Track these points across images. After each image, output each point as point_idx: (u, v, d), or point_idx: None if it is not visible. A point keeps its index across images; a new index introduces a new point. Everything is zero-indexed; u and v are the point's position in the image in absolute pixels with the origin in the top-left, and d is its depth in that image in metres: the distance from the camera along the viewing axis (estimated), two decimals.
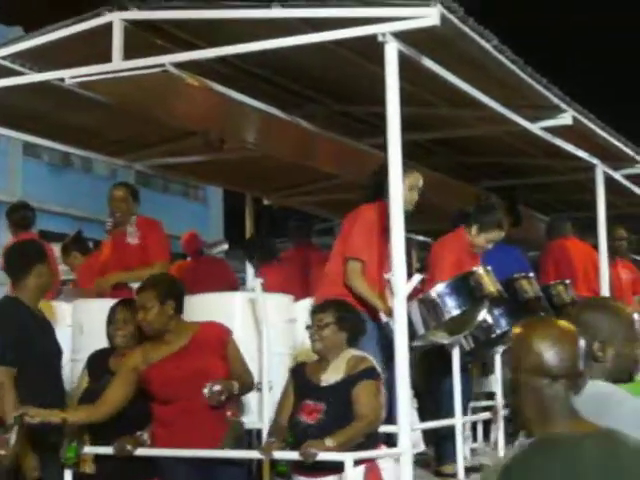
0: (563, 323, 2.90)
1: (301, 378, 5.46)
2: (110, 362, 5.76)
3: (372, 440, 5.33)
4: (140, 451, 5.39)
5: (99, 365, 5.79)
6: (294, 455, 5.09)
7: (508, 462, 2.84)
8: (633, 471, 2.71)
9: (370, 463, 5.25)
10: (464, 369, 7.11)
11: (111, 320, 5.76)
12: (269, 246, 8.97)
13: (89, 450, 5.52)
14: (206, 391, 5.21)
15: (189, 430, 5.30)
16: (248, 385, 5.48)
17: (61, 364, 5.96)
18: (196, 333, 5.43)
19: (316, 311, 5.51)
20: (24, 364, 5.59)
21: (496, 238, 7.24)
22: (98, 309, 6.23)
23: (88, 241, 9.11)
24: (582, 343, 2.85)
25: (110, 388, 5.41)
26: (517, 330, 2.90)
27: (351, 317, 5.53)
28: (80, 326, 6.38)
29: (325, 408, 5.26)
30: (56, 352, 5.89)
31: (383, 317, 5.98)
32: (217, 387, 5.23)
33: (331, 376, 5.37)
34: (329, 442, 5.03)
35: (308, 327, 5.51)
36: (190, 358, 5.35)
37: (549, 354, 2.79)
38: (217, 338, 5.42)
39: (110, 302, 6.23)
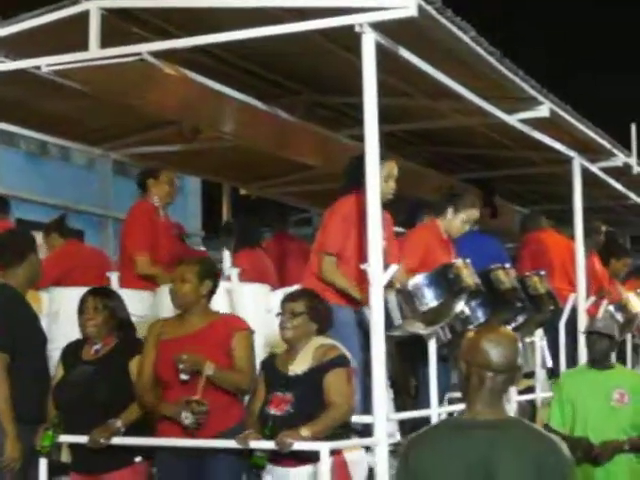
0: (505, 329, 3.64)
1: (271, 369, 5.46)
2: (83, 352, 5.76)
3: (345, 429, 5.34)
4: (118, 440, 5.42)
5: (73, 355, 5.79)
6: (270, 445, 5.10)
7: (413, 437, 3.54)
8: (509, 466, 3.31)
9: (337, 456, 5.24)
10: (444, 359, 7.14)
11: (81, 310, 5.75)
12: (249, 230, 8.91)
13: (65, 439, 5.51)
14: (180, 366, 5.27)
15: None
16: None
17: (46, 353, 5.97)
18: (210, 322, 5.48)
19: (288, 300, 5.51)
20: (15, 351, 5.61)
21: (472, 217, 7.32)
22: (74, 297, 6.22)
23: (71, 228, 9.05)
24: (520, 345, 3.54)
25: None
26: (470, 333, 3.57)
27: (322, 308, 5.54)
28: (56, 315, 6.36)
29: (293, 399, 5.26)
30: (43, 341, 5.91)
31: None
32: (185, 362, 5.27)
33: (299, 366, 5.37)
34: (304, 432, 5.05)
35: (278, 315, 5.52)
36: (193, 346, 5.38)
37: (493, 353, 3.44)
38: (224, 331, 5.43)
39: (81, 291, 6.22)
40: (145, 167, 7.75)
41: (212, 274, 5.60)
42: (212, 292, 5.59)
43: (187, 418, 5.22)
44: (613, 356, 7.04)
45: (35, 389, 5.68)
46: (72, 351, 5.80)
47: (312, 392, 5.27)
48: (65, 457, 5.80)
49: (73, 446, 5.63)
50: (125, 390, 5.54)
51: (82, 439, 5.44)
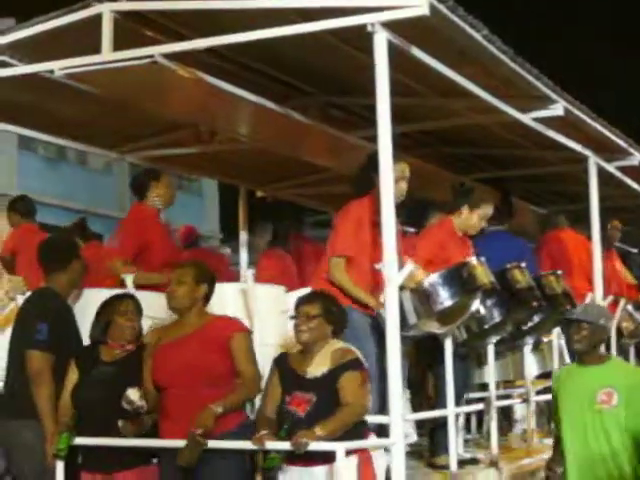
0: None
1: (286, 368, 5.45)
2: (102, 354, 5.78)
3: (362, 430, 5.34)
4: (123, 441, 5.46)
5: (89, 357, 5.79)
6: (285, 446, 5.09)
7: None
8: None
9: (364, 454, 5.26)
10: (463, 358, 7.13)
11: (123, 312, 5.77)
12: (278, 232, 8.88)
13: (80, 441, 5.53)
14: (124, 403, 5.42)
15: (183, 420, 5.30)
16: (247, 396, 5.42)
17: None
18: (207, 323, 5.49)
19: (303, 302, 5.50)
20: (58, 353, 5.72)
21: (488, 213, 7.31)
22: (92, 299, 6.24)
23: (91, 231, 9.12)
24: None
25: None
26: None
27: (337, 310, 5.53)
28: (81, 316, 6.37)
29: (314, 400, 5.25)
30: (81, 344, 5.97)
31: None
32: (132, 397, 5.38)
33: (317, 368, 5.35)
34: (319, 431, 5.03)
35: (293, 317, 5.51)
36: (188, 348, 5.40)
37: None
38: (220, 333, 5.43)
39: (106, 292, 6.25)
40: (145, 169, 7.74)
41: (208, 278, 5.60)
42: (208, 296, 5.61)
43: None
44: (603, 348, 6.21)
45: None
46: (88, 354, 5.82)
47: (331, 394, 5.25)
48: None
49: (84, 448, 5.64)
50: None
51: (96, 441, 5.48)
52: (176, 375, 5.37)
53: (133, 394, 5.43)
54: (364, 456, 5.26)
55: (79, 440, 5.51)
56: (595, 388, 5.63)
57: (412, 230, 8.38)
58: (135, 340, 5.77)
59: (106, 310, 5.80)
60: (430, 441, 7.28)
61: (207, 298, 5.60)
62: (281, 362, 5.51)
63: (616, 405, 5.56)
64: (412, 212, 7.80)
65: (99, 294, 6.16)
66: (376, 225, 5.81)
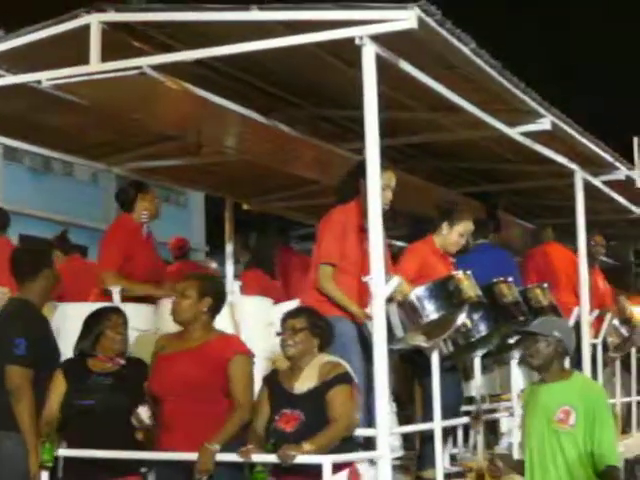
0: None
1: (275, 385, 5.43)
2: (90, 366, 5.78)
3: (350, 444, 5.32)
4: (114, 454, 5.43)
5: (79, 369, 5.79)
6: (272, 458, 5.07)
7: None
8: None
9: (352, 467, 5.25)
10: (451, 370, 7.12)
11: (113, 325, 5.80)
12: (264, 253, 8.87)
13: (63, 452, 5.50)
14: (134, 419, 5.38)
15: (177, 431, 5.33)
16: (242, 422, 5.36)
17: None
18: (209, 340, 5.46)
19: (288, 317, 5.49)
20: (37, 366, 5.69)
21: (468, 229, 7.31)
22: (74, 314, 6.22)
23: (72, 244, 9.06)
24: None
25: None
26: None
27: (322, 324, 5.51)
28: (57, 330, 6.33)
29: (302, 417, 5.23)
30: (58, 355, 5.96)
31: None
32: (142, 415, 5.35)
33: (304, 384, 5.34)
34: (307, 446, 5.03)
35: (279, 334, 5.49)
36: (186, 363, 5.40)
37: None
38: (220, 353, 5.41)
39: (88, 307, 6.24)
40: (131, 181, 7.73)
41: (214, 291, 5.58)
42: (214, 309, 5.57)
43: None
44: (567, 363, 6.01)
45: None
46: (76, 365, 5.81)
47: (319, 410, 5.24)
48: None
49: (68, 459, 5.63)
50: (142, 400, 5.55)
51: (80, 453, 5.49)
52: (171, 387, 5.38)
53: (144, 413, 5.37)
54: (353, 470, 5.25)
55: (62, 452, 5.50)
56: (553, 406, 5.42)
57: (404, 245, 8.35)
58: (123, 353, 5.77)
59: (96, 323, 5.79)
60: (417, 454, 7.26)
61: (213, 312, 5.56)
62: (270, 379, 5.50)
63: (573, 425, 5.34)
64: (414, 229, 7.80)
65: (84, 308, 6.15)
66: (363, 230, 5.85)
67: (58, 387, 5.72)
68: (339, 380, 5.29)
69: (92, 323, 5.80)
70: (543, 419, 5.44)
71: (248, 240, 8.86)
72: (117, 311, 5.91)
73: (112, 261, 6.96)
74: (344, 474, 5.17)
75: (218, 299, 5.59)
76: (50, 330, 5.97)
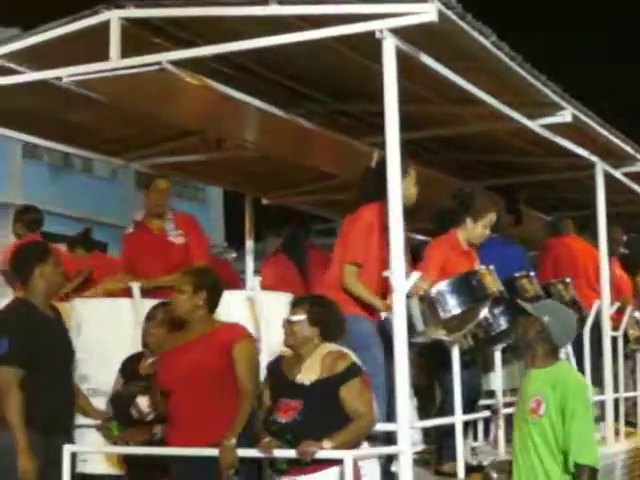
0: None
1: (277, 374, 5.42)
2: (140, 366, 5.87)
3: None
4: (141, 449, 5.56)
5: (131, 368, 5.93)
6: (291, 454, 5.07)
7: None
8: None
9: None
10: (467, 365, 7.10)
11: (149, 318, 5.93)
12: (294, 244, 8.81)
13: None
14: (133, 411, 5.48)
15: (187, 427, 5.34)
16: (248, 410, 5.39)
17: (72, 366, 6.02)
18: (212, 330, 5.52)
19: (290, 307, 5.51)
20: (33, 364, 5.64)
21: (492, 220, 7.27)
22: (95, 309, 6.23)
23: (95, 241, 9.11)
24: None
25: None
26: None
27: (324, 312, 5.43)
28: (78, 326, 6.36)
29: (302, 407, 5.19)
30: (68, 353, 5.95)
31: (383, 314, 5.97)
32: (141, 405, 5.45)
33: (307, 374, 5.29)
34: (326, 444, 5.00)
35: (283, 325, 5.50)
36: (192, 352, 5.44)
37: None
38: (224, 339, 5.46)
39: (109, 302, 6.26)
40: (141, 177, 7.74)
41: (208, 285, 5.63)
42: (211, 302, 5.62)
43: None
44: (564, 354, 5.97)
45: (56, 399, 5.70)
46: (130, 364, 5.95)
47: (323, 402, 5.19)
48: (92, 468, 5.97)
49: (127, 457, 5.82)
50: (144, 390, 5.64)
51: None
52: (179, 380, 5.40)
53: (142, 402, 5.43)
54: (355, 469, 5.13)
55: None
56: (530, 395, 5.32)
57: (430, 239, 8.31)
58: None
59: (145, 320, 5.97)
60: (437, 448, 7.25)
61: (210, 305, 5.62)
62: (273, 367, 5.49)
63: (542, 415, 5.20)
64: (441, 221, 7.74)
65: (103, 304, 6.27)
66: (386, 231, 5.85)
67: (116, 384, 5.96)
68: (349, 375, 5.22)
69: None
70: (522, 407, 5.36)
71: (281, 229, 8.76)
72: (165, 305, 5.96)
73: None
74: (334, 470, 5.09)
75: (213, 292, 5.65)
76: (51, 327, 5.91)
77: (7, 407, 5.58)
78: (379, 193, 6.10)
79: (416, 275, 5.60)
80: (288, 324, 5.40)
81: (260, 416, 5.39)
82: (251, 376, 5.43)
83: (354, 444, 5.15)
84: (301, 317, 5.36)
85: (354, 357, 5.35)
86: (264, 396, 5.42)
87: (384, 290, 5.94)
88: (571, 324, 5.57)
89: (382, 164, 5.89)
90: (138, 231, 7.30)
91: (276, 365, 5.48)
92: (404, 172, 5.72)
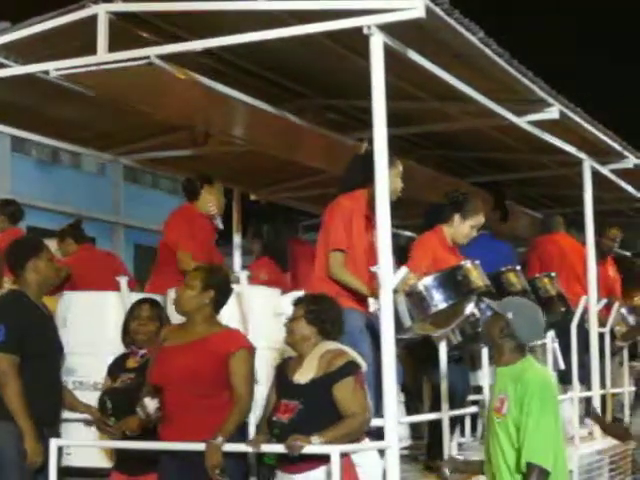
0: None
1: (281, 375, 5.42)
2: (127, 363, 5.91)
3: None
4: (131, 444, 5.55)
5: (117, 366, 5.94)
6: (280, 448, 5.07)
7: None
8: None
9: (347, 460, 5.15)
10: (456, 361, 7.11)
11: (136, 316, 5.92)
12: (279, 244, 8.82)
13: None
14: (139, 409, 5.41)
15: (177, 423, 5.33)
16: (243, 415, 5.36)
17: (61, 361, 6.01)
18: (211, 334, 5.43)
19: (293, 305, 5.50)
20: (25, 355, 5.65)
21: (479, 223, 7.27)
22: (83, 302, 6.22)
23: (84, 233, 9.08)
24: None
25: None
26: None
27: (322, 311, 5.41)
28: (63, 319, 6.35)
29: (299, 407, 5.18)
30: (57, 348, 5.95)
31: (372, 307, 5.96)
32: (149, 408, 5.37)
33: (304, 374, 5.28)
34: (314, 439, 4.98)
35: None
36: (187, 356, 5.36)
37: None
38: (223, 347, 5.37)
39: (96, 295, 6.25)
40: (198, 173, 7.74)
41: (219, 284, 5.53)
42: (218, 302, 5.54)
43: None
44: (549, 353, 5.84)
45: (44, 392, 5.72)
46: (117, 363, 5.95)
47: (318, 401, 5.18)
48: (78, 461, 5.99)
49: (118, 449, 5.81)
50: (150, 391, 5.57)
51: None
52: (171, 379, 5.35)
53: (151, 405, 5.37)
54: (347, 463, 5.14)
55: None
56: (495, 393, 5.19)
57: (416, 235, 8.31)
58: (151, 346, 5.78)
59: (127, 316, 5.97)
60: (426, 444, 7.26)
61: (216, 305, 5.53)
62: (280, 369, 5.49)
63: (505, 413, 5.03)
64: (428, 217, 7.74)
65: (90, 297, 6.30)
66: (368, 219, 5.91)
67: (105, 383, 5.96)
68: (343, 372, 5.20)
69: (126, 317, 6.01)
70: (490, 406, 5.23)
71: (260, 230, 8.79)
72: (150, 303, 5.99)
73: (186, 243, 7.07)
74: (322, 470, 5.09)
75: (222, 292, 5.55)
76: (44, 320, 5.91)
77: (7, 394, 5.58)
78: (363, 182, 6.11)
79: (404, 270, 5.60)
80: (288, 322, 5.41)
81: (263, 416, 5.40)
82: (246, 385, 5.35)
83: (349, 441, 5.13)
84: (299, 315, 5.37)
85: (352, 355, 5.33)
86: (270, 398, 5.41)
87: (370, 280, 5.92)
88: (537, 320, 5.41)
89: (369, 154, 5.91)
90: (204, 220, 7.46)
91: (283, 366, 5.48)
92: (389, 163, 5.70)
